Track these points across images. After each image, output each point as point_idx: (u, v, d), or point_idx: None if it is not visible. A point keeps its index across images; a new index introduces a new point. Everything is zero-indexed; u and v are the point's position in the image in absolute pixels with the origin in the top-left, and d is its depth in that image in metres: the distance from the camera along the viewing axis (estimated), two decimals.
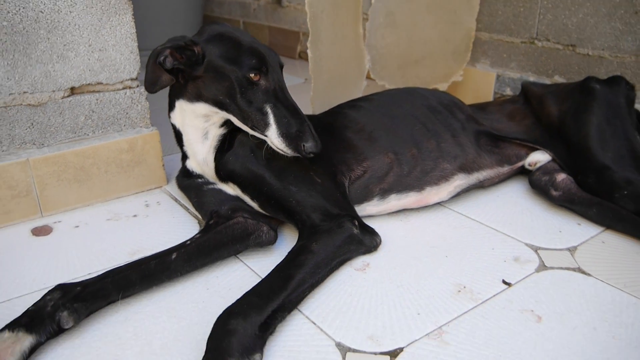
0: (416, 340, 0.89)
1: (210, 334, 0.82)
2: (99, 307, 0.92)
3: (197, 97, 1.13)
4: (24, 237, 1.21)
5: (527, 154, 1.44)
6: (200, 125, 1.18)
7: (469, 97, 2.06)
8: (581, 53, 1.72)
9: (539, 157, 1.42)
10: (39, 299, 0.89)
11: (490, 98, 2.00)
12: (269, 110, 1.08)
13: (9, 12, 1.15)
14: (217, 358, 0.77)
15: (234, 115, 1.11)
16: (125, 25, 1.30)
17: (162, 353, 0.86)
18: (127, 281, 0.95)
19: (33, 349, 0.84)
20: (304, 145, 1.06)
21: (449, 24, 1.90)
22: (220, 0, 3.55)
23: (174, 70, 1.11)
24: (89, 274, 1.08)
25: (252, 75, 1.07)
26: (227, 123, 1.18)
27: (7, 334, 0.82)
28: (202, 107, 1.14)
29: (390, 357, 0.85)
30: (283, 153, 1.10)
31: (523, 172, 1.46)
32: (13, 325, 0.84)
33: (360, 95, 1.77)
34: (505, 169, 1.42)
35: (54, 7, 1.20)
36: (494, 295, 1.00)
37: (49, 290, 0.90)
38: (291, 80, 2.56)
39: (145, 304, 0.97)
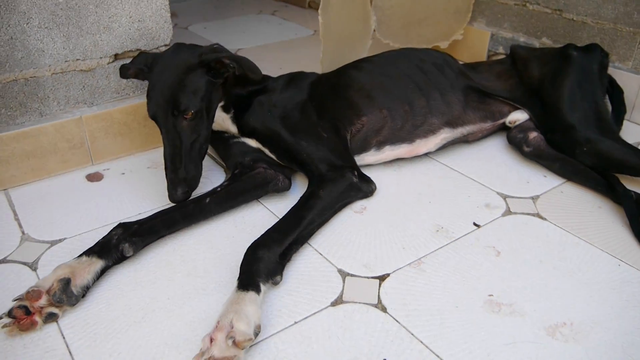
0: (400, 268, 1.15)
1: (243, 260, 1.08)
2: (152, 241, 1.18)
3: None
4: (81, 183, 1.46)
5: (509, 112, 1.65)
6: None
7: (465, 54, 2.25)
8: (567, 17, 1.90)
9: (518, 116, 1.63)
10: (105, 234, 1.15)
11: (484, 55, 2.18)
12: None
13: None
14: (249, 278, 1.02)
15: None
16: None
17: (205, 275, 1.13)
18: (173, 220, 1.21)
19: (103, 271, 1.10)
20: (169, 192, 1.26)
21: None
22: None
23: None
24: (138, 214, 1.33)
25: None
26: (231, 97, 1.40)
27: (84, 258, 1.08)
28: None
29: (380, 280, 1.11)
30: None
31: (504, 128, 1.68)
32: (88, 252, 1.09)
33: (365, 54, 1.96)
34: (488, 124, 1.63)
35: None
36: (465, 235, 1.25)
37: (113, 227, 1.15)
38: (300, 31, 2.73)
39: (188, 238, 1.23)
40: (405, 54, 1.64)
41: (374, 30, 1.98)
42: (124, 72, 1.38)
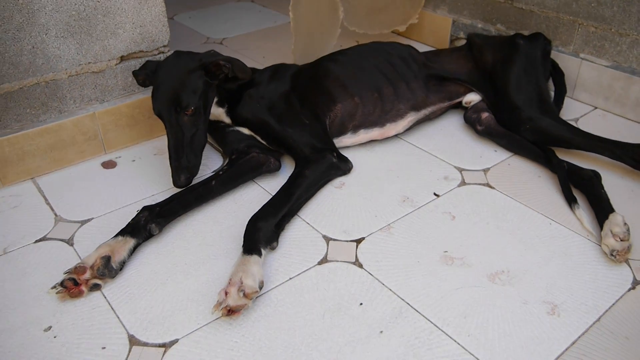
0: (373, 232, 1.41)
1: (245, 231, 1.32)
2: (172, 219, 1.42)
3: None
4: (97, 170, 1.69)
5: (465, 93, 1.89)
6: None
7: (430, 39, 2.49)
8: (517, 6, 2.14)
9: (473, 97, 1.88)
10: (133, 216, 1.38)
11: (447, 39, 2.42)
12: None
13: (76, 3, 1.55)
14: (252, 244, 1.27)
15: None
16: (158, 5, 1.70)
17: (213, 244, 1.37)
18: (187, 201, 1.45)
19: (134, 248, 1.33)
20: (174, 180, 1.46)
21: None
22: None
23: None
24: (152, 195, 1.56)
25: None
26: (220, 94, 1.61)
27: (120, 237, 1.31)
28: None
29: (357, 242, 1.37)
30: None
31: (461, 108, 1.92)
32: (122, 233, 1.33)
33: (335, 41, 2.19)
34: (446, 103, 1.87)
35: None
36: (427, 203, 1.51)
37: (139, 210, 1.38)
38: (279, 18, 2.92)
39: (197, 215, 1.47)
40: (376, 47, 1.87)
41: (342, 20, 2.20)
42: (137, 77, 1.61)
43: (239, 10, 3.05)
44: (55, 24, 1.54)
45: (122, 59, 1.71)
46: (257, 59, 2.39)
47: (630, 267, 1.30)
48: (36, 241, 1.40)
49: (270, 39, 2.63)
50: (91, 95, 1.69)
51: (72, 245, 1.38)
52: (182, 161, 1.47)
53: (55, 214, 1.49)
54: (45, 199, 1.55)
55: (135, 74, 1.61)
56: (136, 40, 1.70)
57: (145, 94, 1.76)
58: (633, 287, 1.25)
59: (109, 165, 1.71)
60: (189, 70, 1.49)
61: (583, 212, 1.45)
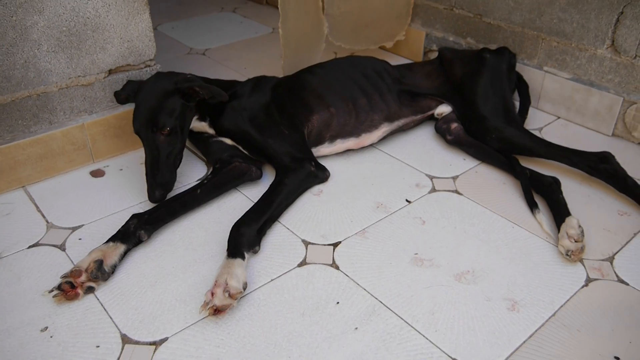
0: (349, 236, 1.51)
1: (229, 236, 1.41)
2: (160, 226, 1.50)
3: None
4: (86, 178, 1.76)
5: (437, 106, 2.01)
6: None
7: (406, 51, 2.60)
8: (485, 21, 2.26)
9: (444, 109, 2.00)
10: (123, 223, 1.46)
11: (421, 52, 2.54)
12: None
13: (66, 20, 1.63)
14: (236, 249, 1.36)
15: None
16: (145, 21, 1.79)
17: (199, 248, 1.46)
18: (174, 209, 1.53)
19: (125, 253, 1.42)
20: (148, 195, 1.54)
21: None
22: None
23: None
24: (139, 203, 1.64)
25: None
26: (201, 109, 1.70)
27: (111, 243, 1.40)
28: None
29: (333, 246, 1.47)
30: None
31: (433, 118, 2.04)
32: (113, 239, 1.41)
33: (320, 55, 2.29)
34: (419, 116, 1.99)
35: (96, 13, 1.68)
36: (399, 209, 1.62)
37: (129, 218, 1.46)
38: (260, 29, 3.02)
39: (184, 221, 1.56)
40: (352, 61, 1.98)
41: (327, 35, 2.31)
42: (118, 97, 1.70)
43: (222, 20, 3.14)
44: (47, 39, 1.62)
45: (110, 72, 1.79)
46: (238, 69, 2.48)
47: (584, 266, 1.42)
48: (29, 247, 1.47)
49: (251, 50, 2.73)
50: (80, 107, 1.76)
51: (64, 250, 1.46)
52: (157, 178, 1.55)
53: (47, 221, 1.57)
54: (37, 207, 1.62)
55: (116, 94, 1.71)
56: (124, 54, 1.78)
57: (132, 106, 1.84)
58: (586, 285, 1.36)
59: (97, 174, 1.78)
60: (166, 92, 1.58)
61: (543, 216, 1.57)
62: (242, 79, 2.24)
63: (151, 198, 1.54)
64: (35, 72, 1.63)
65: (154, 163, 1.56)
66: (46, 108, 1.70)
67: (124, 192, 1.69)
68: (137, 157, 1.87)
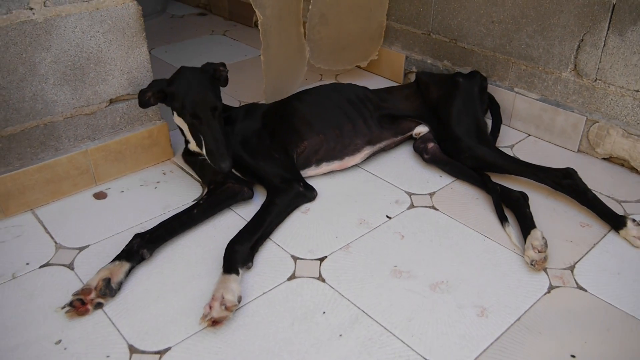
0: (334, 251, 1.65)
1: (224, 253, 1.55)
2: (161, 244, 1.63)
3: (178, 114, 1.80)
4: (90, 200, 1.90)
5: (415, 126, 2.16)
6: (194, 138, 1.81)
7: (387, 72, 2.76)
8: (460, 46, 2.42)
9: (421, 129, 2.14)
10: (127, 242, 1.59)
11: (402, 74, 2.69)
12: (201, 136, 1.73)
13: (71, 55, 1.77)
14: (231, 265, 1.50)
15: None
16: (142, 54, 1.93)
17: (197, 265, 1.60)
18: (173, 228, 1.67)
19: (130, 271, 1.55)
20: (220, 165, 1.66)
21: (366, 19, 2.57)
22: None
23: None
24: (140, 223, 1.78)
25: (185, 113, 1.73)
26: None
27: (117, 262, 1.53)
28: (179, 119, 1.81)
29: (320, 261, 1.61)
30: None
31: (412, 138, 2.19)
32: (119, 257, 1.54)
33: (302, 78, 2.44)
34: (399, 138, 2.14)
35: (98, 48, 1.82)
36: (380, 225, 1.76)
37: (132, 238, 1.59)
38: (249, 52, 3.16)
39: (182, 240, 1.69)
40: (336, 88, 2.13)
41: (309, 59, 2.46)
42: (142, 96, 1.75)
43: (212, 43, 3.28)
44: (54, 73, 1.75)
45: (111, 101, 1.92)
46: (229, 92, 2.63)
47: (547, 275, 1.57)
48: (40, 266, 1.60)
49: (241, 72, 2.87)
50: (84, 134, 1.90)
51: (72, 269, 1.59)
52: (226, 148, 1.68)
53: (55, 242, 1.70)
54: (45, 228, 1.75)
55: (142, 92, 1.76)
56: (123, 84, 1.92)
57: (131, 132, 1.98)
58: (548, 291, 1.51)
59: (100, 196, 1.92)
60: (207, 77, 1.77)
61: (512, 229, 1.72)
62: (233, 100, 2.39)
63: (226, 168, 1.66)
64: (42, 104, 1.77)
65: (217, 137, 1.68)
66: (52, 136, 1.83)
67: (126, 213, 1.83)
68: (136, 179, 2.00)
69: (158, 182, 1.99)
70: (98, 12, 1.78)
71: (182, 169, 2.07)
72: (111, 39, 1.84)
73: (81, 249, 1.67)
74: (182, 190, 1.94)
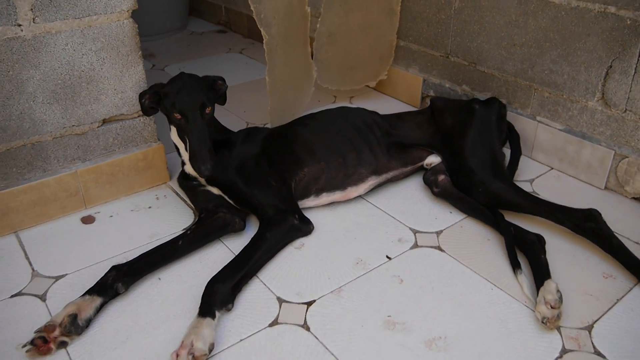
0: (324, 295, 1.51)
1: (203, 293, 1.43)
2: (138, 279, 1.53)
3: (170, 122, 1.72)
4: (76, 225, 1.81)
5: (427, 156, 2.01)
6: (182, 142, 1.72)
7: (404, 96, 2.62)
8: (480, 70, 2.27)
9: (433, 160, 1.99)
10: (102, 275, 1.49)
11: (419, 97, 2.55)
12: (186, 137, 1.65)
13: (61, 73, 1.69)
14: (207, 307, 1.38)
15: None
16: (138, 73, 1.84)
17: (175, 304, 1.48)
18: (154, 261, 1.56)
19: (101, 306, 1.45)
20: (200, 167, 1.59)
21: (375, 38, 2.45)
22: None
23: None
24: (123, 252, 1.68)
25: (174, 114, 1.64)
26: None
27: (87, 296, 1.43)
28: (174, 129, 1.72)
29: (307, 305, 1.48)
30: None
31: (423, 168, 2.04)
32: (90, 291, 1.44)
33: (308, 99, 2.33)
34: (409, 168, 1.99)
35: (90, 66, 1.74)
36: (378, 266, 1.62)
37: (108, 270, 1.49)
38: (264, 71, 3.06)
39: (163, 273, 1.58)
40: (343, 113, 2.00)
41: (316, 79, 2.35)
42: (141, 98, 1.71)
43: (228, 61, 3.20)
44: (42, 91, 1.68)
45: (104, 121, 1.84)
46: (237, 112, 2.53)
47: (560, 335, 1.39)
48: (12, 296, 1.51)
49: (253, 92, 2.77)
50: (74, 155, 1.81)
51: (44, 301, 1.49)
52: (208, 152, 1.61)
53: (33, 269, 1.61)
54: (25, 253, 1.67)
55: (141, 94, 1.71)
56: (117, 104, 1.84)
57: (125, 153, 1.89)
58: (560, 356, 1.34)
59: (87, 220, 1.83)
60: (203, 82, 1.69)
61: (525, 277, 1.55)
62: (240, 121, 2.29)
63: (206, 171, 1.59)
64: (30, 123, 1.69)
65: (201, 138, 1.61)
66: (40, 156, 1.75)
67: (111, 240, 1.73)
68: (128, 203, 1.91)
69: (149, 207, 1.89)
70: (90, 29, 1.70)
71: (177, 194, 1.97)
72: (104, 57, 1.75)
73: (57, 278, 1.58)
74: (173, 218, 1.84)
